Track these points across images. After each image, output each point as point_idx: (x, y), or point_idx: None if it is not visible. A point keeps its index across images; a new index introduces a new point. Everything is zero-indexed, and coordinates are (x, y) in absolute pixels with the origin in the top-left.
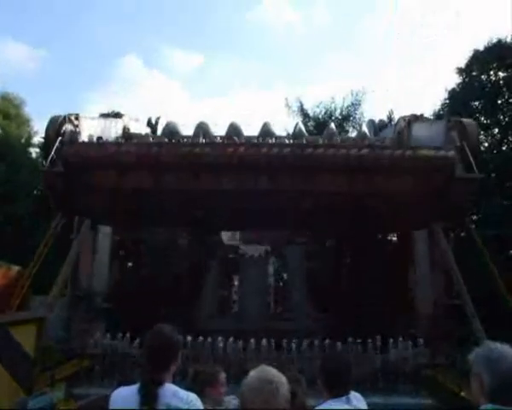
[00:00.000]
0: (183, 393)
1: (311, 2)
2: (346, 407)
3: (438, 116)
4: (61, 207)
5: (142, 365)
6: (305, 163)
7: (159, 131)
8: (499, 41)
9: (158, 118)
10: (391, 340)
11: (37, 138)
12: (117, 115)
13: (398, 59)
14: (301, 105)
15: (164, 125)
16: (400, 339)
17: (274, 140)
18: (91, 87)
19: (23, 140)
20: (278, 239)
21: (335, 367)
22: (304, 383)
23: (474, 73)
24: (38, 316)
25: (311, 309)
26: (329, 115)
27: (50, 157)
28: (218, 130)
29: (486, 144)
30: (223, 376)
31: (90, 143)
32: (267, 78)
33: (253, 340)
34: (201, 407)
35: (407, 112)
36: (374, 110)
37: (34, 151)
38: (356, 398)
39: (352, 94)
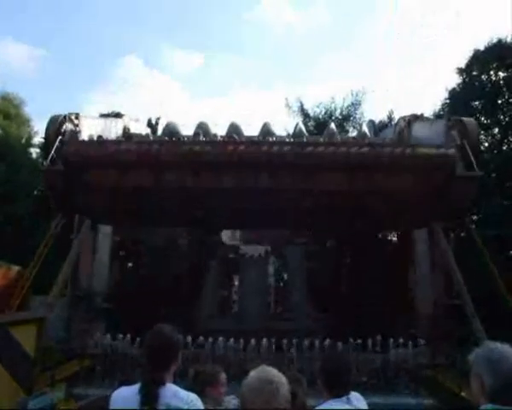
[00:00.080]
0: (183, 393)
1: (311, 2)
2: (347, 406)
3: (438, 116)
4: (61, 206)
5: (143, 365)
6: (306, 161)
7: (159, 132)
8: (499, 41)
9: (158, 118)
10: (391, 340)
11: (38, 138)
12: (117, 115)
13: (398, 59)
14: (301, 105)
15: (164, 125)
16: (400, 339)
17: (274, 140)
18: (91, 87)
19: (23, 140)
20: (278, 239)
21: (335, 367)
22: (304, 383)
23: (474, 73)
24: (38, 316)
25: (311, 309)
26: (329, 115)
27: (50, 156)
28: (219, 130)
29: (487, 144)
30: (223, 376)
31: (90, 142)
32: (267, 78)
33: (253, 340)
34: (202, 407)
35: (407, 112)
36: (374, 110)
37: (34, 151)
38: (356, 398)
39: (352, 94)
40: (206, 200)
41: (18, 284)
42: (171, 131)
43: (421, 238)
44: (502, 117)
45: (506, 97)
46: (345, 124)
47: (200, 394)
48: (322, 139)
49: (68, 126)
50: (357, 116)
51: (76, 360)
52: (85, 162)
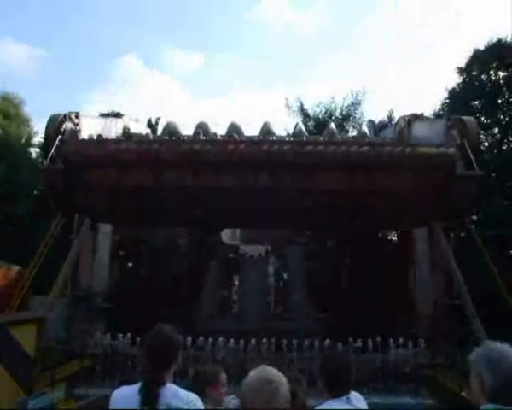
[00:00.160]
0: (183, 393)
1: (311, 2)
2: (347, 406)
3: (438, 116)
4: (61, 205)
5: (143, 365)
6: (306, 160)
7: (159, 132)
8: (499, 41)
9: (158, 118)
10: (391, 340)
11: (37, 138)
12: (117, 115)
13: (398, 59)
14: (301, 105)
15: (164, 125)
16: (400, 339)
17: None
18: (91, 87)
19: (23, 140)
20: (278, 239)
21: (335, 367)
22: (304, 383)
23: (474, 73)
24: (38, 316)
25: (311, 309)
26: (329, 115)
27: (50, 155)
28: (219, 130)
29: (486, 144)
30: (223, 376)
31: (90, 141)
32: (267, 78)
33: (253, 340)
34: (202, 407)
35: (407, 112)
36: (374, 110)
37: (34, 151)
38: (356, 398)
39: (352, 94)
40: (206, 199)
41: (18, 283)
42: (171, 130)
43: (421, 238)
44: (502, 117)
45: (506, 97)
46: (345, 124)
47: (201, 394)
48: (322, 139)
49: (68, 125)
50: (357, 116)
51: (76, 360)
52: (85, 161)
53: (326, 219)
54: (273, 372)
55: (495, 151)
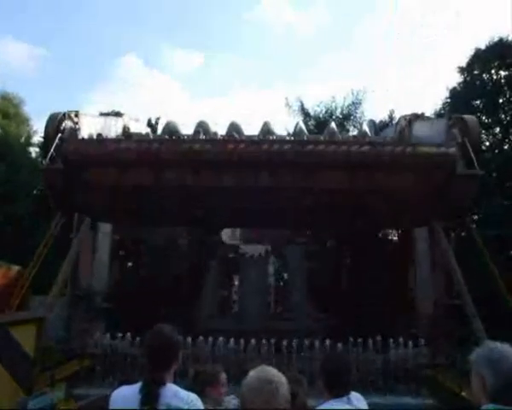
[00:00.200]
0: (183, 393)
1: (311, 2)
2: (347, 407)
3: (439, 115)
4: (60, 205)
5: (144, 364)
6: (306, 160)
7: (159, 132)
8: (500, 40)
9: (158, 118)
10: (391, 340)
11: (37, 138)
12: (117, 115)
13: (398, 59)
14: (302, 104)
15: (164, 124)
16: (401, 339)
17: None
18: (91, 87)
19: (22, 139)
20: (278, 239)
21: (335, 368)
22: (305, 383)
23: (475, 72)
24: (38, 316)
25: (311, 309)
26: (330, 114)
27: (50, 154)
28: (219, 129)
29: (488, 143)
30: (223, 376)
31: (89, 141)
32: (267, 77)
33: (253, 340)
34: (202, 407)
35: (408, 111)
36: (375, 110)
37: (34, 151)
38: (356, 398)
39: (352, 93)
40: (206, 199)
41: (18, 283)
42: (171, 130)
43: (421, 237)
44: (503, 116)
45: (507, 96)
46: (345, 123)
47: (201, 394)
48: (322, 138)
49: (68, 124)
50: (358, 115)
51: (76, 360)
52: (85, 161)
53: (326, 218)
54: (273, 372)
55: (496, 151)
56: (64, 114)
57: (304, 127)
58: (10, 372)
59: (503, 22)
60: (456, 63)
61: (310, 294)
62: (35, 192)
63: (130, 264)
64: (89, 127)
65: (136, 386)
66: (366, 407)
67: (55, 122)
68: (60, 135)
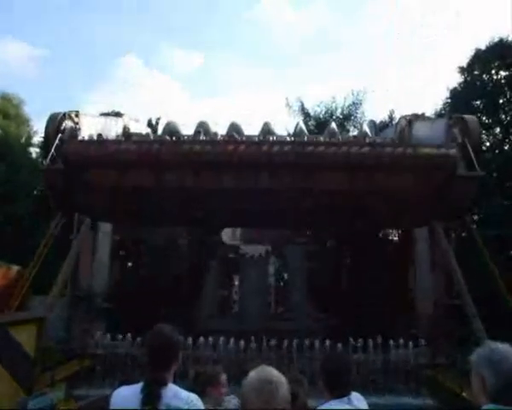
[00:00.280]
0: (184, 393)
1: (311, 2)
2: (347, 407)
3: (439, 115)
4: (60, 205)
5: (144, 365)
6: (306, 161)
7: (159, 132)
8: (501, 40)
9: (158, 118)
10: (391, 340)
11: (37, 138)
12: (117, 115)
13: (398, 59)
14: (302, 104)
15: (164, 124)
16: (401, 339)
17: (275, 139)
18: (91, 87)
19: (23, 140)
20: (279, 239)
21: (335, 368)
22: (305, 383)
23: (475, 73)
24: (38, 316)
25: (311, 309)
26: (330, 115)
27: (50, 155)
28: (219, 129)
29: (488, 144)
30: (224, 377)
31: (89, 142)
32: (267, 77)
33: (253, 340)
34: (202, 408)
35: (408, 112)
36: (375, 110)
37: (34, 151)
38: (357, 398)
39: (352, 93)
40: (207, 200)
41: (18, 283)
42: (171, 130)
43: (421, 237)
44: (503, 116)
45: (507, 97)
46: (345, 123)
47: (201, 394)
48: (322, 139)
49: (68, 124)
50: (358, 116)
51: (76, 361)
52: (85, 162)
53: (326, 219)
54: (273, 373)
55: (496, 151)
56: (64, 114)
57: (304, 127)
58: (10, 372)
59: (504, 22)
60: (457, 63)
61: (310, 294)
62: (35, 192)
63: (130, 264)
64: (89, 127)
65: (137, 386)
66: (366, 407)
67: (55, 122)
68: (60, 135)
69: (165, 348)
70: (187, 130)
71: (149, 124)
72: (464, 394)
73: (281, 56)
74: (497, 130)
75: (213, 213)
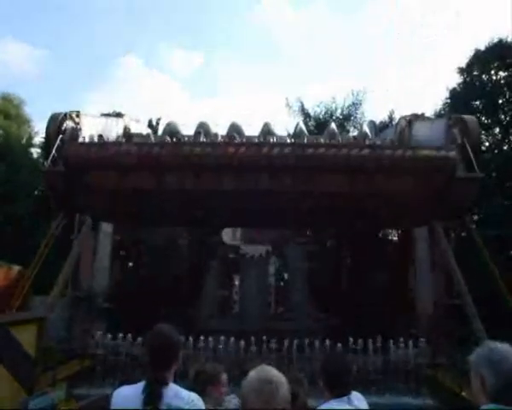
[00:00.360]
0: (185, 393)
1: (311, 2)
2: (348, 407)
3: (439, 116)
4: (61, 207)
5: (145, 365)
6: (306, 163)
7: (159, 133)
8: (500, 41)
9: (159, 119)
10: (391, 340)
11: (38, 138)
12: (118, 115)
13: (398, 59)
14: (302, 105)
15: (164, 125)
16: (401, 339)
17: (275, 139)
18: (91, 87)
19: (23, 140)
20: (279, 239)
21: (335, 368)
22: (305, 383)
23: (475, 73)
24: (39, 316)
25: (311, 309)
26: (330, 115)
27: (51, 156)
28: (219, 130)
29: (487, 144)
30: (224, 377)
31: (90, 144)
32: (267, 77)
33: (253, 340)
34: (203, 407)
35: (408, 112)
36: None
37: (35, 151)
38: (357, 398)
39: (352, 94)
40: (207, 202)
41: (18, 284)
42: (171, 130)
43: (421, 237)
44: (502, 117)
45: (507, 97)
46: (345, 123)
47: (202, 393)
48: (322, 139)
49: (69, 124)
50: (358, 116)
51: (77, 360)
52: (86, 164)
53: (326, 220)
54: (273, 372)
55: (496, 151)
56: (65, 115)
57: (304, 128)
58: (12, 372)
59: (503, 23)
60: (456, 64)
61: (310, 294)
62: (35, 192)
63: (130, 264)
64: (90, 128)
65: (137, 386)
66: (367, 406)
67: (56, 122)
68: (61, 135)
69: (166, 348)
70: (187, 130)
71: (150, 124)
72: (464, 393)
73: (281, 56)
74: (497, 130)
75: (213, 213)
